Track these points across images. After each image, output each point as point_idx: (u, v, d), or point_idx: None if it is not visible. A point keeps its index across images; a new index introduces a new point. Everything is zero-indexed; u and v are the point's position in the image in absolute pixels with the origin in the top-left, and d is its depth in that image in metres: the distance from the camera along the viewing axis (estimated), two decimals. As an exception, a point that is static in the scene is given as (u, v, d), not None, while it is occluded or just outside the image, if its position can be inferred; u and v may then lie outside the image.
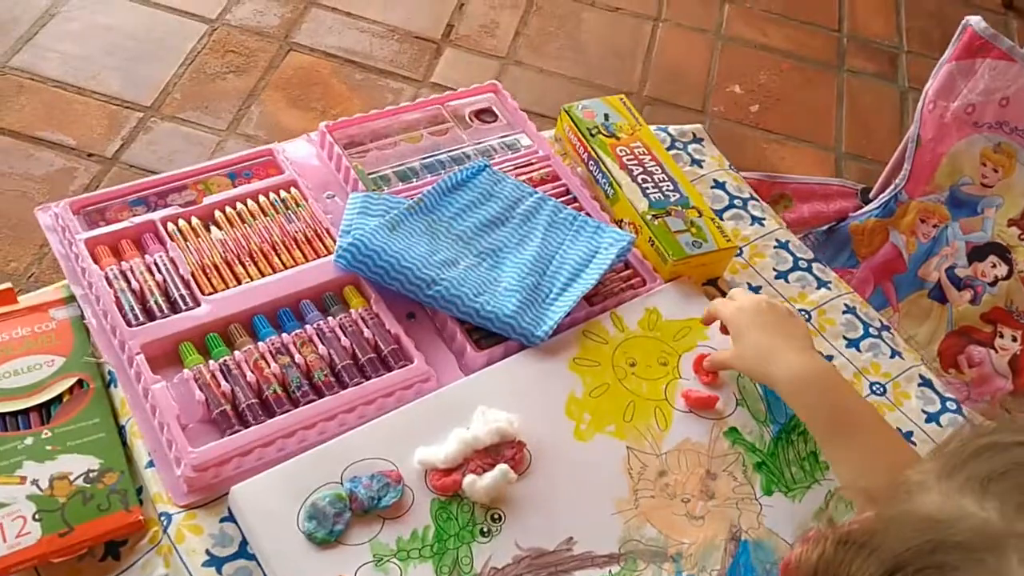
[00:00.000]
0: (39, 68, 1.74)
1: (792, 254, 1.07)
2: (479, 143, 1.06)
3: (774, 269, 1.05)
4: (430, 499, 0.77)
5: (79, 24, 1.83)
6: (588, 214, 1.00)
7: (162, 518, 0.75)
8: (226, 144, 1.72)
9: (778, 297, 1.02)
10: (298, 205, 0.96)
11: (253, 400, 0.81)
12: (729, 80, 2.12)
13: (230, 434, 0.78)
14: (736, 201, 1.11)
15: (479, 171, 0.99)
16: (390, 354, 0.86)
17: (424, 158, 1.03)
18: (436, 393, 0.84)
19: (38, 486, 0.75)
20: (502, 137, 1.08)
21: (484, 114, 1.10)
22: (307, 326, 0.86)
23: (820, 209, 1.42)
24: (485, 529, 0.76)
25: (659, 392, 0.87)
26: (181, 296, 0.86)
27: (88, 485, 0.75)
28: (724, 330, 0.89)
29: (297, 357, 0.84)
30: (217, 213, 0.93)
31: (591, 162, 1.06)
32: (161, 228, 0.90)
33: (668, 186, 1.03)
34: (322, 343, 0.85)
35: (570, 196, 1.03)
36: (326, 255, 0.92)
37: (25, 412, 0.79)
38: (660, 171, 1.04)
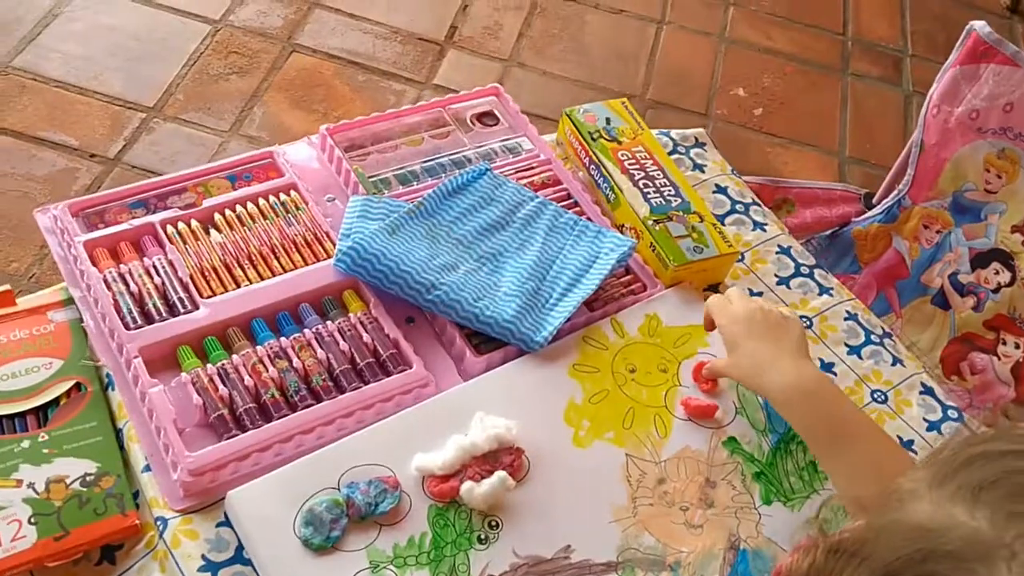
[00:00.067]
0: (42, 68, 1.74)
1: (794, 260, 1.07)
2: (480, 146, 1.06)
3: (776, 275, 1.04)
4: (427, 505, 0.77)
5: (82, 24, 1.83)
6: (589, 219, 1.00)
7: (158, 523, 0.75)
8: (228, 145, 1.72)
9: (779, 303, 1.01)
10: (298, 208, 0.95)
11: (251, 404, 0.80)
12: (733, 83, 2.11)
13: (227, 438, 0.78)
14: (738, 206, 1.10)
15: (480, 175, 0.98)
16: (389, 359, 0.85)
17: (425, 161, 1.03)
18: (434, 399, 0.83)
19: (34, 489, 0.74)
20: (503, 141, 1.07)
21: (486, 117, 1.10)
22: (306, 330, 0.86)
23: (823, 214, 1.42)
24: (482, 536, 0.76)
25: (659, 399, 0.87)
26: (179, 299, 0.86)
27: (84, 489, 0.75)
28: (711, 327, 0.88)
29: (295, 361, 0.83)
30: (216, 216, 0.93)
31: (592, 166, 1.05)
32: (160, 231, 0.90)
33: (670, 191, 1.02)
34: (321, 347, 0.85)
35: (571, 200, 1.03)
36: (326, 259, 0.91)
37: (22, 415, 0.79)
38: (662, 175, 1.04)
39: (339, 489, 0.76)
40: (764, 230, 1.09)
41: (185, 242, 0.90)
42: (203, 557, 0.73)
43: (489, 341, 0.88)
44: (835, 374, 0.96)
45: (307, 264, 0.91)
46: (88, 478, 0.76)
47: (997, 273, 1.27)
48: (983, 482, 0.45)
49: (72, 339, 0.84)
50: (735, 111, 2.06)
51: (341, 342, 0.86)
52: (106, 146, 1.66)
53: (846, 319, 1.02)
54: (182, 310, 0.85)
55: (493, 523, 0.77)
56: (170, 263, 0.88)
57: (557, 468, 0.80)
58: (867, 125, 2.11)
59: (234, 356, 0.83)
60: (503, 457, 0.79)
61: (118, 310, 0.84)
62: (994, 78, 1.21)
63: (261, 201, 0.95)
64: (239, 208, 0.94)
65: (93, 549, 0.74)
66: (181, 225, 0.91)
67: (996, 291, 1.28)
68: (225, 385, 0.81)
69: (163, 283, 0.87)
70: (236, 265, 0.90)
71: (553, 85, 1.99)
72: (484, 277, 0.91)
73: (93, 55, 1.79)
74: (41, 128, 1.66)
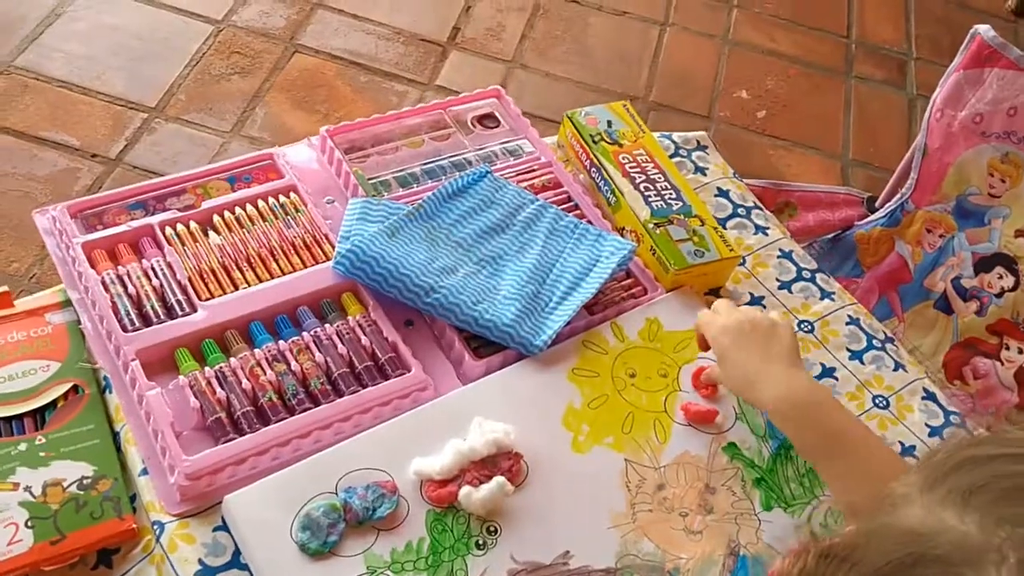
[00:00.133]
0: (44, 68, 1.74)
1: (796, 264, 1.06)
2: (481, 149, 1.06)
3: (777, 279, 1.04)
4: (425, 510, 0.76)
5: (85, 24, 1.83)
6: (590, 222, 1.00)
7: (155, 526, 0.74)
8: (230, 146, 1.71)
9: (780, 308, 1.01)
10: (297, 210, 0.95)
11: (248, 408, 0.80)
12: (736, 85, 2.11)
13: (224, 442, 0.78)
14: (740, 210, 1.10)
15: (480, 177, 0.98)
16: (387, 362, 0.85)
17: (425, 163, 1.02)
18: (433, 403, 0.83)
19: (31, 493, 0.74)
20: (504, 143, 1.07)
21: (487, 119, 1.09)
22: (304, 333, 0.86)
23: (825, 217, 1.41)
24: (481, 542, 0.76)
25: (659, 404, 0.86)
26: (178, 301, 0.85)
27: (81, 492, 0.75)
28: (705, 346, 0.87)
29: (293, 365, 0.83)
30: (216, 218, 0.92)
31: (593, 169, 1.05)
32: (159, 232, 0.90)
33: (671, 194, 1.02)
34: (319, 350, 0.84)
35: (572, 203, 1.02)
36: (325, 261, 0.91)
37: (19, 417, 0.79)
38: (663, 179, 1.03)
39: (337, 494, 0.75)
40: (766, 234, 1.08)
41: (184, 244, 0.90)
42: (200, 562, 0.72)
43: (488, 345, 0.88)
44: (836, 379, 0.96)
45: (306, 266, 0.91)
46: (85, 481, 0.76)
47: (1000, 277, 1.27)
48: (973, 486, 0.45)
49: (70, 341, 0.84)
50: (738, 113, 2.05)
51: (339, 345, 0.85)
52: (107, 146, 1.66)
53: (848, 324, 1.01)
54: (180, 312, 0.85)
55: (491, 528, 0.76)
56: (168, 265, 0.88)
57: (556, 473, 0.80)
58: (871, 128, 2.10)
59: (232, 359, 0.83)
60: (502, 462, 0.79)
61: (116, 312, 0.84)
62: (998, 82, 1.21)
63: (260, 203, 0.94)
64: (238, 210, 0.93)
65: (90, 553, 0.73)
66: (180, 227, 0.91)
67: (999, 296, 1.27)
68: (223, 388, 0.81)
69: (161, 285, 0.86)
70: (235, 267, 0.89)
71: (556, 87, 1.99)
72: (484, 280, 0.91)
73: (95, 55, 1.79)
74: (43, 128, 1.66)
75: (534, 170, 1.04)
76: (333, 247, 0.92)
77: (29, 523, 0.72)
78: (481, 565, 0.74)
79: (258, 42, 1.90)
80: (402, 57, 1.95)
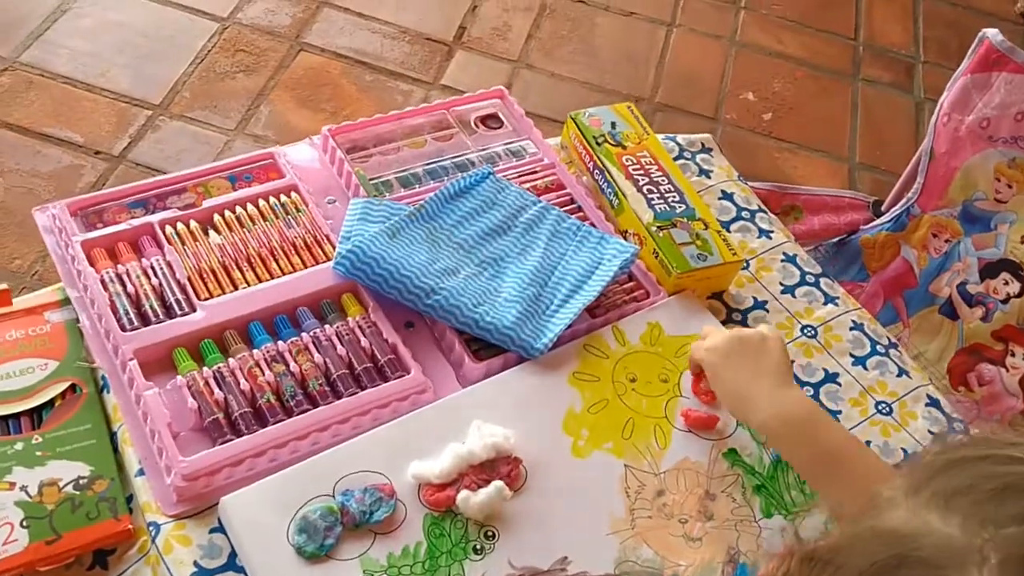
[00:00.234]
0: (49, 64, 1.74)
1: (799, 268, 1.05)
2: (484, 149, 1.05)
3: (781, 283, 1.03)
4: (423, 514, 0.76)
5: (90, 21, 1.83)
6: (592, 224, 0.99)
7: (151, 527, 0.74)
8: (234, 144, 1.71)
9: (783, 312, 1.00)
10: (298, 210, 0.94)
11: (246, 409, 0.80)
12: (743, 87, 2.10)
13: (222, 443, 0.77)
14: (744, 213, 1.09)
15: (482, 178, 0.97)
16: (387, 364, 0.85)
17: (427, 164, 1.02)
18: (432, 405, 0.82)
19: (27, 492, 0.74)
20: (507, 144, 1.06)
21: (490, 120, 1.09)
22: (303, 334, 0.85)
23: (831, 221, 1.40)
24: (478, 546, 0.75)
25: (659, 409, 0.86)
26: (177, 301, 0.85)
27: (77, 492, 0.74)
28: (698, 376, 0.86)
29: (292, 366, 0.83)
30: (216, 217, 0.92)
31: (596, 171, 1.04)
32: (159, 231, 0.89)
33: (674, 197, 1.01)
34: (318, 352, 0.84)
35: (574, 205, 1.02)
36: (325, 261, 0.91)
37: (16, 416, 0.79)
38: (666, 181, 1.03)
39: (334, 496, 0.75)
40: (770, 237, 1.07)
41: (184, 243, 0.89)
42: (195, 564, 0.72)
43: (489, 347, 0.87)
44: (839, 385, 0.95)
45: (307, 267, 0.90)
46: (81, 481, 0.75)
47: (1006, 283, 1.26)
48: (957, 488, 0.45)
49: (68, 340, 0.84)
50: (744, 115, 2.04)
51: (339, 346, 0.85)
52: (111, 143, 1.66)
53: (852, 329, 1.00)
54: (179, 312, 0.84)
55: (489, 533, 0.76)
56: (168, 264, 0.87)
57: (555, 478, 0.79)
58: (877, 131, 2.09)
59: (230, 359, 0.82)
60: (500, 467, 0.78)
61: (114, 311, 0.83)
62: (1006, 87, 1.20)
63: (261, 202, 0.94)
64: (239, 209, 0.93)
65: (85, 553, 0.73)
66: (180, 226, 0.90)
67: (1005, 301, 1.26)
68: (221, 389, 0.80)
69: (160, 284, 0.86)
70: (235, 267, 0.89)
71: (562, 87, 1.98)
72: (485, 282, 0.90)
73: (101, 52, 1.79)
74: (47, 124, 1.66)
75: (537, 171, 1.04)
76: (334, 247, 0.91)
77: (25, 523, 0.72)
78: (479, 570, 0.74)
79: (263, 40, 1.89)
80: (408, 56, 1.94)
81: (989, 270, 1.27)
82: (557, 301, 0.91)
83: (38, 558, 0.71)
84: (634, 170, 1.03)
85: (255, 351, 0.83)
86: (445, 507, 0.76)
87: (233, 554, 0.73)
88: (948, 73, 1.29)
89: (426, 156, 1.03)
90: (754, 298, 1.01)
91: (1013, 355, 1.26)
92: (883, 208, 1.39)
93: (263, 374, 0.81)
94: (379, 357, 0.85)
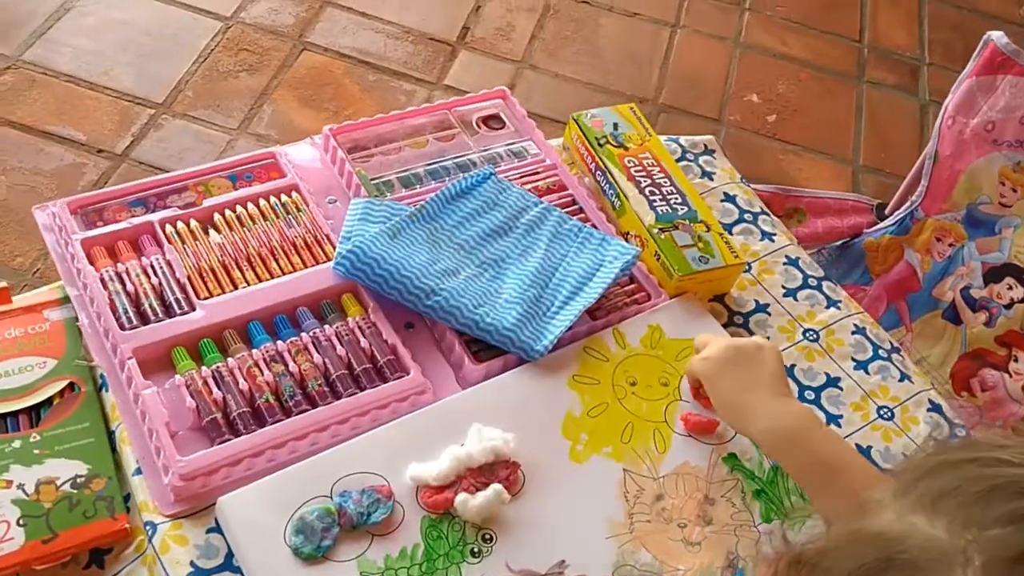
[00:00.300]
0: (52, 62, 1.74)
1: (802, 271, 1.05)
2: (485, 150, 1.05)
3: (783, 286, 1.03)
4: (421, 516, 0.75)
5: (94, 19, 1.83)
6: (594, 225, 0.99)
7: (147, 527, 0.74)
8: (236, 143, 1.71)
9: (785, 315, 1.00)
10: (299, 210, 0.94)
11: (245, 409, 0.79)
12: (747, 89, 2.09)
13: (220, 443, 0.77)
14: (746, 215, 1.09)
15: (484, 179, 0.97)
16: (386, 365, 0.84)
17: (428, 164, 1.01)
18: (431, 407, 0.82)
19: (24, 491, 0.74)
20: (509, 144, 1.06)
21: (492, 120, 1.08)
22: (303, 334, 0.85)
23: (834, 224, 1.40)
24: (476, 549, 0.75)
25: (659, 414, 0.85)
26: (176, 300, 0.85)
27: (75, 491, 0.74)
28: (696, 392, 0.86)
29: (291, 366, 0.82)
30: (216, 216, 0.92)
31: (598, 172, 1.04)
32: (159, 230, 0.89)
33: (676, 199, 1.01)
34: (317, 352, 0.84)
35: (576, 207, 1.01)
36: (325, 261, 0.90)
37: (14, 414, 0.79)
38: (668, 183, 1.02)
39: (331, 497, 0.75)
40: (772, 240, 1.07)
41: (184, 242, 0.89)
42: (192, 564, 0.72)
43: (489, 349, 0.87)
44: (841, 389, 0.94)
45: (307, 266, 0.90)
46: (79, 480, 0.75)
47: (1010, 288, 1.25)
48: (944, 490, 0.45)
49: (67, 338, 0.84)
50: (748, 117, 2.04)
51: (338, 347, 0.84)
52: (114, 142, 1.66)
53: (854, 333, 1.00)
54: (178, 311, 0.84)
55: (487, 536, 0.75)
56: (168, 263, 0.87)
57: (553, 482, 0.79)
58: (882, 134, 2.08)
59: (229, 359, 0.82)
60: (499, 470, 0.78)
61: (114, 310, 0.83)
62: (1011, 90, 1.19)
63: (262, 202, 0.94)
64: (239, 208, 0.93)
65: (82, 552, 0.73)
66: (180, 225, 0.90)
67: (1009, 307, 1.26)
68: (219, 388, 0.80)
69: (160, 283, 0.86)
70: (235, 266, 0.89)
71: (565, 88, 1.98)
72: (485, 283, 0.90)
73: (104, 50, 1.79)
74: (50, 122, 1.66)
75: (538, 172, 1.03)
76: (334, 247, 0.91)
77: (21, 521, 0.72)
78: (476, 573, 0.73)
79: (267, 39, 1.89)
80: (411, 56, 1.94)
81: (993, 274, 1.26)
82: (558, 303, 0.91)
83: (34, 557, 0.71)
84: (636, 172, 1.02)
85: (254, 351, 0.83)
86: (443, 509, 0.76)
87: (230, 554, 0.73)
88: (953, 76, 1.28)
89: (427, 156, 1.02)
90: (756, 301, 1.00)
91: (1016, 360, 1.26)
92: (887, 211, 1.38)
93: (262, 374, 0.81)
94: (379, 358, 0.84)
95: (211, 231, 0.91)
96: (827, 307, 1.02)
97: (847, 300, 1.04)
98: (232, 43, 1.87)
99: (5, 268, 1.46)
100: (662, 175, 1.03)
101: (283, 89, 1.82)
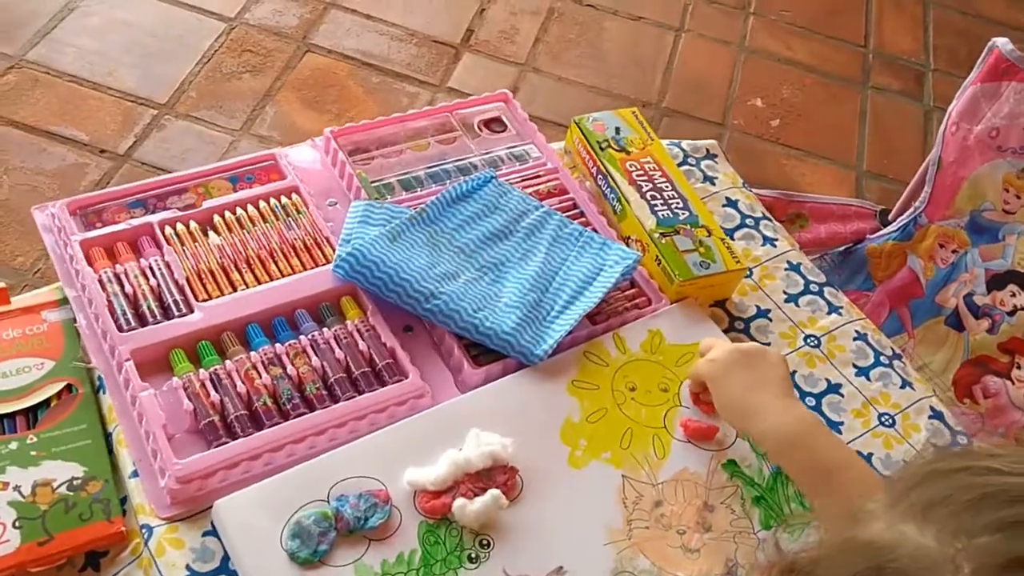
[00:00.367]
0: (55, 62, 1.74)
1: (804, 277, 1.04)
2: (487, 153, 1.04)
3: (784, 292, 1.02)
4: (418, 521, 0.75)
5: (98, 19, 1.83)
6: (594, 230, 0.98)
7: (144, 530, 0.73)
8: (239, 144, 1.71)
9: (786, 321, 0.99)
10: (299, 212, 0.94)
11: (242, 411, 0.79)
12: (751, 93, 2.09)
13: (217, 446, 0.77)
14: (748, 220, 1.08)
15: (484, 182, 0.97)
16: (385, 368, 0.84)
17: (429, 167, 1.01)
18: (430, 411, 0.82)
19: (20, 492, 0.73)
20: (510, 148, 1.06)
21: (493, 123, 1.08)
22: (301, 336, 0.85)
23: (837, 230, 1.39)
24: (473, 555, 0.74)
25: (658, 419, 0.85)
26: (175, 301, 0.85)
27: (71, 493, 0.74)
28: (696, 398, 0.86)
29: (289, 368, 0.82)
30: (216, 218, 0.91)
31: (600, 176, 1.03)
32: (158, 231, 0.89)
33: (678, 203, 1.00)
34: (316, 355, 0.83)
35: (577, 211, 1.01)
36: (325, 264, 0.90)
37: (11, 416, 0.78)
38: (670, 188, 1.02)
39: (328, 502, 0.74)
40: (774, 245, 1.07)
41: (183, 243, 0.89)
42: (188, 567, 0.72)
43: (488, 353, 0.87)
44: (842, 395, 0.94)
45: (306, 269, 0.90)
46: (75, 482, 0.75)
47: (1013, 295, 1.25)
48: (934, 499, 0.45)
49: (65, 340, 0.83)
50: (752, 122, 2.03)
51: (337, 350, 0.84)
52: (116, 142, 1.66)
53: (855, 339, 0.99)
54: (177, 313, 0.84)
55: (484, 542, 0.75)
56: (167, 265, 0.87)
57: (552, 488, 0.79)
58: (886, 139, 2.07)
59: (227, 361, 0.82)
60: (497, 475, 0.77)
61: (112, 311, 0.83)
62: (1015, 96, 1.19)
63: (262, 204, 0.93)
64: (239, 210, 0.92)
65: (77, 555, 0.72)
66: (180, 226, 0.90)
67: (1012, 314, 1.25)
68: (217, 391, 0.80)
69: (159, 285, 0.85)
70: (233, 268, 0.88)
71: (569, 91, 1.97)
72: (485, 287, 0.90)
73: (107, 50, 1.78)
74: (52, 122, 1.66)
75: (540, 176, 1.03)
76: (334, 250, 0.91)
77: (17, 523, 0.72)
78: (473, 578, 0.73)
79: (270, 41, 1.89)
80: (414, 58, 1.94)
81: (996, 281, 1.26)
82: (558, 307, 0.90)
83: (30, 559, 0.70)
84: (637, 176, 1.02)
85: (252, 353, 0.83)
86: (440, 514, 0.75)
87: (226, 558, 0.72)
88: (957, 82, 1.28)
89: (428, 159, 1.02)
90: (757, 307, 1.00)
91: (1019, 368, 1.25)
92: (890, 217, 1.38)
93: (260, 377, 0.81)
94: (377, 361, 0.84)
95: (210, 233, 0.91)
96: (828, 313, 1.01)
97: (848, 306, 1.03)
98: (236, 44, 1.86)
99: (6, 268, 1.46)
100: (664, 179, 1.02)
101: (286, 90, 1.82)
